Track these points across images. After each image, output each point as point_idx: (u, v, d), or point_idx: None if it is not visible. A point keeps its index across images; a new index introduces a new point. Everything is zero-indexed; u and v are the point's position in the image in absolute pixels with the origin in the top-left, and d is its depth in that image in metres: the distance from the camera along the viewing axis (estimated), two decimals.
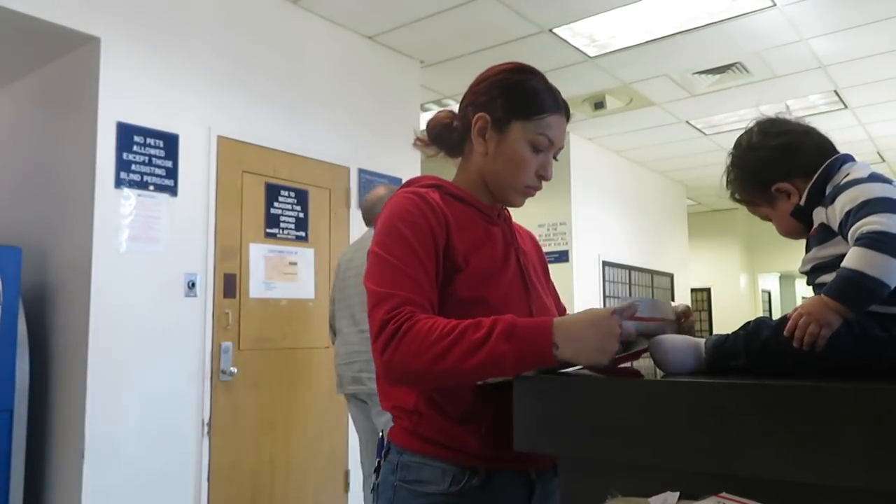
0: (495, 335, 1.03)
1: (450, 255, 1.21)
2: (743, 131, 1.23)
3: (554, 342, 1.02)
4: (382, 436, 1.29)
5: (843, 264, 0.96)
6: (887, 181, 1.04)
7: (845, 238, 1.01)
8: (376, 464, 1.29)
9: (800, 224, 1.17)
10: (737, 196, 1.25)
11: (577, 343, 1.02)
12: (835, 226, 1.05)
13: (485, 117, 1.28)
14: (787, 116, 1.21)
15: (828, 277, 1.03)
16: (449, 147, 1.36)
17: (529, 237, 1.49)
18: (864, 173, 1.07)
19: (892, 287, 0.94)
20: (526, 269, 1.33)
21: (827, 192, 1.10)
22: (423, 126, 1.39)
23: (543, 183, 1.34)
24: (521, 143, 1.26)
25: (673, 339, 1.06)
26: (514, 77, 1.30)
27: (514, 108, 1.26)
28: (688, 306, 1.27)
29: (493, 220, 1.33)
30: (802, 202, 1.14)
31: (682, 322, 1.20)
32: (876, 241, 0.94)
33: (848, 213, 1.01)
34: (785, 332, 0.97)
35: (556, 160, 1.34)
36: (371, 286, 1.17)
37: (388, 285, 1.14)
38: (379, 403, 1.44)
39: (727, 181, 1.25)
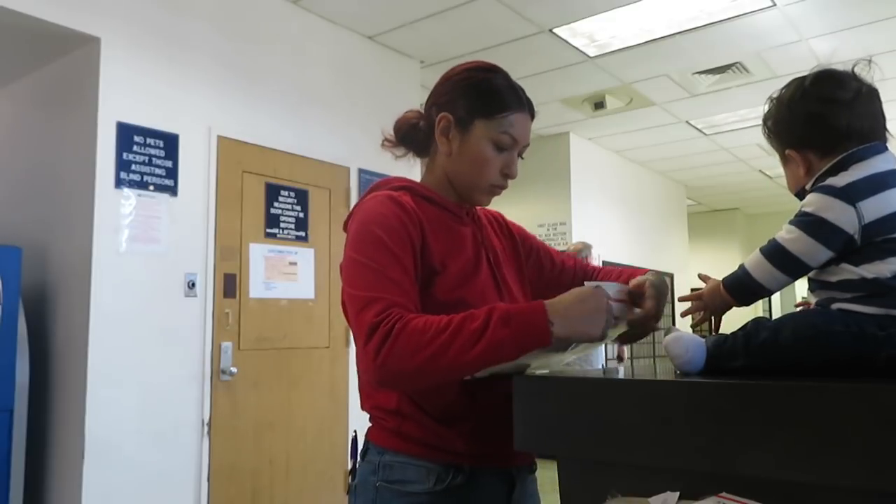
0: (493, 322, 1.04)
1: (426, 257, 1.19)
2: (801, 77, 1.15)
3: (549, 320, 1.04)
4: (356, 436, 1.28)
5: (744, 261, 1.10)
6: (861, 196, 1.00)
7: None
8: (351, 465, 1.29)
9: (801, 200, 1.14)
10: (765, 136, 1.22)
11: (571, 319, 1.05)
12: None
13: (447, 117, 1.27)
14: (861, 70, 1.12)
15: (819, 273, 1.06)
16: (416, 147, 1.36)
17: (496, 221, 1.46)
18: (849, 179, 1.02)
19: (774, 290, 1.07)
20: (497, 268, 1.32)
21: None
22: None
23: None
24: (483, 141, 1.25)
25: (691, 338, 1.06)
26: (477, 76, 1.28)
27: (477, 107, 1.25)
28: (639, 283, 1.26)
29: (462, 220, 1.32)
30: (808, 187, 1.10)
31: (637, 298, 1.22)
32: (770, 251, 1.06)
33: (797, 214, 1.06)
34: (681, 313, 1.20)
35: (521, 158, 1.32)
36: (353, 291, 1.14)
37: (370, 289, 1.12)
38: None
39: (764, 118, 1.21)
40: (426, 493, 1.16)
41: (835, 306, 1.02)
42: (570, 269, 1.48)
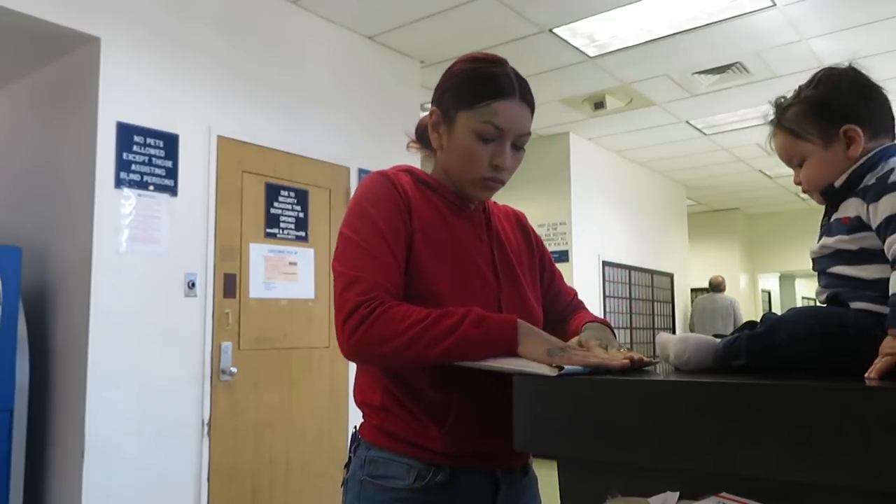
0: (467, 322, 1.09)
1: (410, 240, 1.21)
2: (832, 68, 1.14)
3: (518, 328, 1.10)
4: (355, 431, 1.30)
5: (891, 292, 0.94)
6: None
7: (882, 241, 0.99)
8: (347, 459, 1.31)
9: (822, 195, 1.12)
10: (785, 122, 1.15)
11: (534, 340, 1.10)
12: (873, 225, 1.01)
13: (436, 111, 1.27)
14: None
15: (849, 269, 1.03)
16: (430, 146, 1.36)
17: (516, 220, 1.46)
18: None
19: None
20: (500, 263, 1.30)
21: (865, 183, 1.05)
22: None
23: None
24: (466, 133, 1.22)
25: (696, 338, 1.05)
26: (464, 67, 1.26)
27: (458, 99, 1.23)
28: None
29: (462, 211, 1.30)
30: (839, 185, 1.09)
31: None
32: None
33: (888, 220, 0.97)
34: (872, 374, 0.89)
35: (520, 150, 1.26)
36: (340, 268, 1.18)
37: (357, 268, 1.16)
38: None
39: (787, 103, 1.15)
40: (406, 489, 1.18)
41: (856, 305, 1.00)
42: (563, 302, 1.46)
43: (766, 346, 0.99)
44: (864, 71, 1.13)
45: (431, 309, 1.11)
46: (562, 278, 1.50)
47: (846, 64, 1.14)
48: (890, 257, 0.95)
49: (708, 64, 4.85)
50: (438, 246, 1.23)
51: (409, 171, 1.31)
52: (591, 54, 4.66)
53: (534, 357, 1.08)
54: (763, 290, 11.74)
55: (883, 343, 0.92)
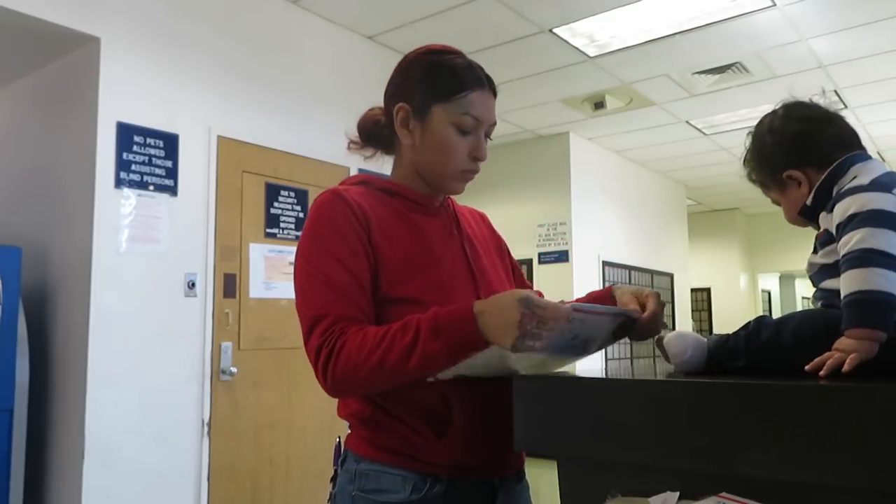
0: (423, 335, 1.02)
1: (375, 252, 1.17)
2: (769, 111, 1.20)
3: (480, 328, 1.01)
4: (339, 442, 1.26)
5: (842, 294, 0.96)
6: (891, 187, 0.99)
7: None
8: (333, 472, 1.26)
9: (805, 219, 1.16)
10: (752, 176, 1.24)
11: (491, 327, 1.00)
12: (834, 234, 1.04)
13: (405, 107, 1.23)
14: (819, 101, 1.17)
15: (832, 283, 1.04)
16: (382, 144, 1.32)
17: (482, 219, 1.44)
18: (866, 179, 1.02)
19: None
20: (473, 257, 1.28)
21: (833, 194, 1.07)
22: None
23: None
24: (445, 127, 1.20)
25: (693, 337, 1.06)
26: (428, 59, 1.24)
27: (432, 92, 1.20)
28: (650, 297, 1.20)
29: (428, 210, 1.27)
30: (809, 202, 1.12)
31: (639, 314, 1.15)
32: (859, 260, 0.94)
33: (839, 227, 1.00)
34: (808, 368, 0.92)
35: (489, 139, 1.26)
36: (301, 309, 1.15)
37: (316, 306, 1.13)
38: None
39: (744, 160, 1.23)
40: (402, 502, 1.13)
41: None
42: None
43: (766, 346, 0.99)
44: (794, 106, 1.17)
45: (388, 326, 1.06)
46: (523, 275, 1.49)
47: (779, 105, 1.19)
48: (841, 263, 0.97)
49: (708, 64, 4.85)
50: (409, 253, 1.19)
51: (363, 181, 1.28)
52: (591, 54, 4.66)
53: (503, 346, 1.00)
54: (763, 290, 11.74)
55: (838, 340, 0.94)
